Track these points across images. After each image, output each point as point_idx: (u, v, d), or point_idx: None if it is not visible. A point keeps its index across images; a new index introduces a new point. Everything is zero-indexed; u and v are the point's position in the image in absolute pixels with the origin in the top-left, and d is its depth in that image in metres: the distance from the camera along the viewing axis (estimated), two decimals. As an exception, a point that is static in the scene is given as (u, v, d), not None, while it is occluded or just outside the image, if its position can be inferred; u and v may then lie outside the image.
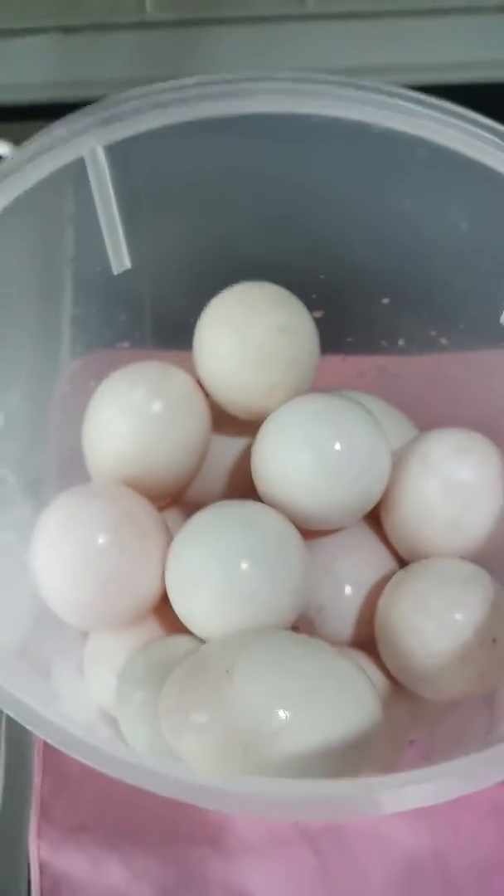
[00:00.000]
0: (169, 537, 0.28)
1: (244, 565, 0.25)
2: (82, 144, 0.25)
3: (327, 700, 0.22)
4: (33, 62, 0.55)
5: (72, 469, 0.31)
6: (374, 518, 0.31)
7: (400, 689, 0.28)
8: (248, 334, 0.29)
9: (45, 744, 0.33)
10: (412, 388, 0.35)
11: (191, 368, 0.31)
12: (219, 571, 0.26)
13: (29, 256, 0.27)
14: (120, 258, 0.27)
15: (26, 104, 0.53)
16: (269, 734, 0.22)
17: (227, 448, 0.33)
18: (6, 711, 0.19)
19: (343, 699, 0.22)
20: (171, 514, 0.32)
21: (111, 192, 0.26)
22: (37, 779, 0.33)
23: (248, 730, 0.22)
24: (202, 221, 0.30)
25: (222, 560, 0.26)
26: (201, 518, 0.27)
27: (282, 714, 0.22)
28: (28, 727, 0.19)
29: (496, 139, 0.25)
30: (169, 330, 0.32)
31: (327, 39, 0.52)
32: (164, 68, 0.56)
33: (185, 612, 0.27)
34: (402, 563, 0.30)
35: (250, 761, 0.21)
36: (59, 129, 0.25)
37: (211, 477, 0.33)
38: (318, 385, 0.32)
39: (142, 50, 0.55)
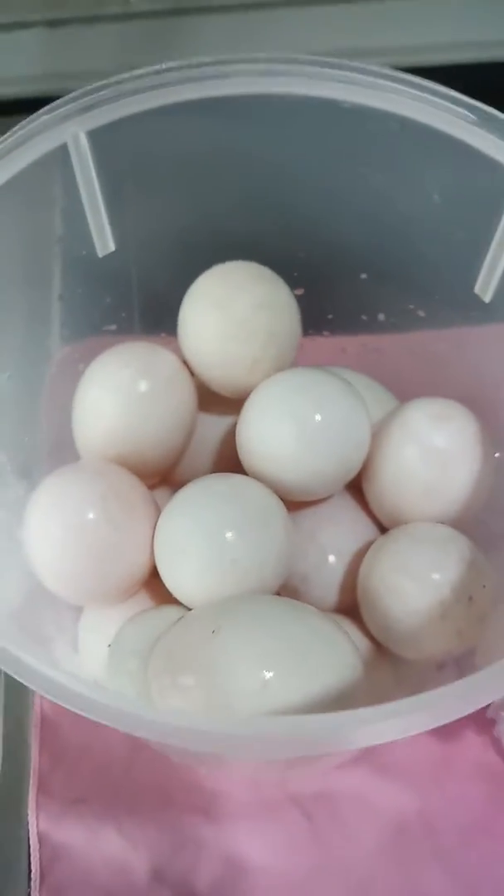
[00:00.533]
0: (157, 512, 0.29)
1: (228, 534, 0.26)
2: (65, 131, 0.25)
3: (310, 658, 0.23)
4: (19, 56, 0.55)
5: (63, 451, 0.32)
6: (356, 489, 0.32)
7: (383, 652, 0.29)
8: (229, 310, 0.29)
9: (43, 719, 0.34)
10: (393, 363, 0.35)
11: (178, 351, 0.32)
12: (204, 541, 0.26)
13: (17, 240, 0.28)
14: (104, 241, 0.28)
15: (13, 98, 0.53)
16: (253, 692, 0.22)
17: (214, 427, 0.34)
18: (5, 669, 0.20)
19: (325, 657, 0.23)
20: (161, 493, 0.33)
21: (94, 176, 0.27)
22: (34, 753, 0.33)
23: (232, 688, 0.22)
24: (186, 204, 0.31)
25: (207, 530, 0.26)
26: (187, 491, 0.28)
27: (265, 673, 0.22)
28: (28, 684, 0.20)
29: (464, 111, 0.26)
30: (156, 314, 0.32)
31: (311, 26, 0.52)
32: (150, 59, 0.57)
33: (173, 582, 0.27)
34: (384, 531, 0.31)
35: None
36: (42, 116, 0.25)
37: (198, 456, 0.34)
38: (301, 363, 0.32)
39: (127, 41, 0.56)
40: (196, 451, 0.33)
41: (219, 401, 0.33)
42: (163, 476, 0.33)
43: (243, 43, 0.56)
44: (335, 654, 0.24)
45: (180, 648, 0.23)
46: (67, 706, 0.19)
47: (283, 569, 0.28)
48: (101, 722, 0.18)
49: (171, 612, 0.27)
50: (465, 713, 0.18)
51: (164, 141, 0.28)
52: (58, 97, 0.58)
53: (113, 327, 0.33)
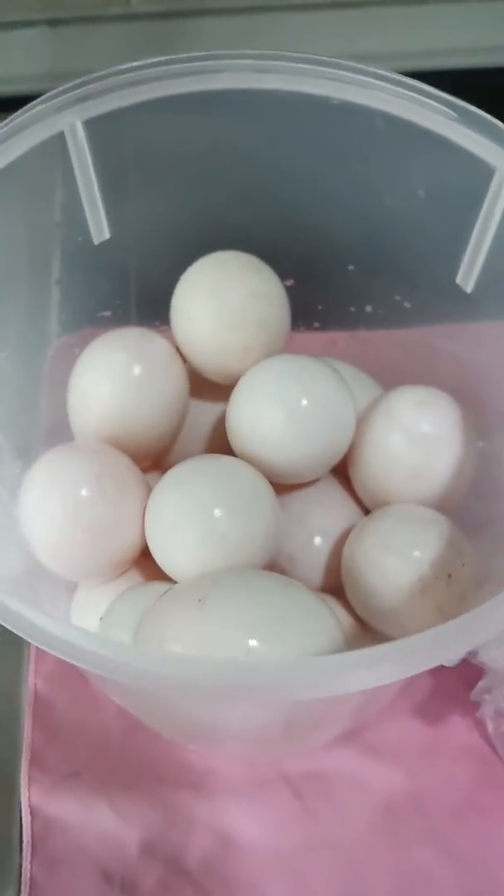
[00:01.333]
0: (149, 492, 0.30)
1: (218, 510, 0.27)
2: (62, 120, 0.26)
3: (293, 628, 0.24)
4: (21, 55, 0.56)
5: (60, 433, 0.33)
6: (342, 474, 0.33)
7: (366, 630, 0.30)
8: (221, 298, 0.31)
9: (37, 698, 0.35)
10: (382, 355, 0.36)
11: (172, 339, 0.33)
12: (195, 517, 0.27)
13: (17, 225, 0.29)
14: (100, 228, 0.29)
15: (14, 96, 0.54)
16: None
17: (206, 413, 0.35)
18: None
19: (308, 627, 0.24)
20: (153, 478, 0.34)
21: (90, 164, 0.28)
22: (27, 730, 0.34)
23: (217, 655, 0.23)
24: (181, 195, 0.32)
25: (198, 506, 0.27)
26: (178, 470, 0.29)
27: (250, 640, 0.23)
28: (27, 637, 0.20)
29: (446, 109, 0.27)
30: (153, 303, 0.33)
31: (312, 30, 0.53)
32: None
33: (163, 558, 0.28)
34: (366, 512, 0.32)
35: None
36: (39, 104, 0.26)
37: (190, 441, 0.35)
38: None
39: (128, 42, 0.56)
40: (187, 436, 0.34)
41: (210, 387, 0.34)
42: (155, 460, 0.34)
43: (244, 46, 0.57)
44: (318, 624, 0.24)
45: (168, 617, 0.24)
46: (62, 656, 0.19)
47: (271, 546, 0.29)
48: (93, 670, 0.19)
49: (160, 587, 0.28)
50: (434, 663, 0.19)
51: (161, 133, 0.29)
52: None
53: (108, 314, 0.34)
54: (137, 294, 0.34)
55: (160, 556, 0.29)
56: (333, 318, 0.36)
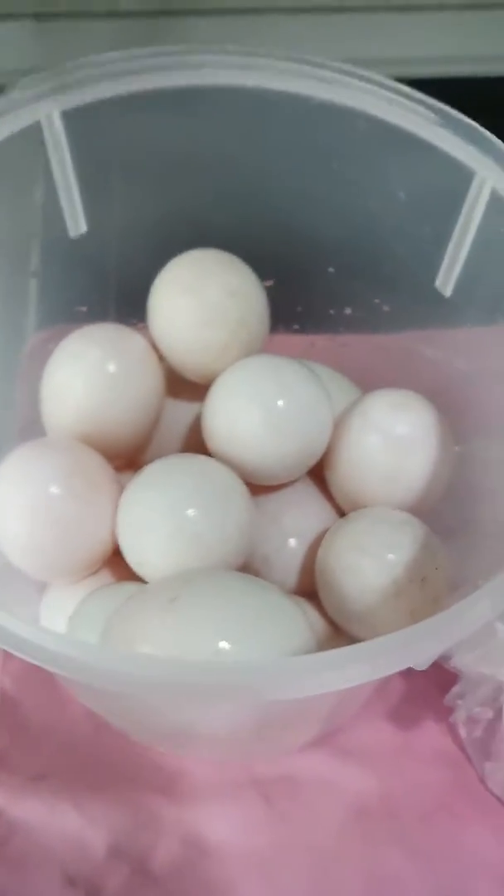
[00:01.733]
0: (121, 490, 0.30)
1: (191, 510, 0.27)
2: (39, 110, 0.26)
3: (265, 630, 0.24)
4: (7, 49, 0.56)
5: (34, 431, 0.32)
6: (318, 476, 0.32)
7: (339, 634, 0.30)
8: (200, 296, 0.30)
9: (3, 698, 0.34)
10: (361, 358, 0.36)
11: (149, 337, 0.32)
12: (168, 516, 0.27)
13: None
14: (77, 221, 0.29)
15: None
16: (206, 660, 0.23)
17: (181, 412, 0.34)
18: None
19: (280, 630, 0.24)
20: (126, 477, 0.34)
21: (67, 156, 0.27)
22: None
23: (187, 656, 0.23)
24: (162, 191, 0.31)
25: (171, 505, 0.27)
26: (151, 468, 0.29)
27: (221, 642, 0.23)
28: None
29: (428, 112, 0.27)
30: (131, 301, 0.33)
31: (303, 34, 0.53)
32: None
33: (135, 558, 0.28)
34: (341, 515, 0.32)
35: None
36: (15, 94, 0.26)
37: (165, 441, 0.34)
38: (271, 355, 0.33)
39: (115, 40, 0.56)
40: (163, 435, 0.34)
41: (186, 387, 0.34)
42: (128, 458, 0.34)
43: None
44: (290, 626, 0.24)
45: (137, 616, 0.24)
46: (27, 657, 0.19)
47: (245, 546, 0.28)
48: (58, 671, 0.19)
49: (130, 587, 0.28)
50: (404, 665, 0.19)
51: (143, 127, 0.29)
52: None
53: (85, 309, 0.33)
54: (116, 290, 0.34)
55: (131, 555, 0.28)
56: (313, 321, 0.36)
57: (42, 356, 0.32)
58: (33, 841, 0.32)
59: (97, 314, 0.33)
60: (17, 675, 0.35)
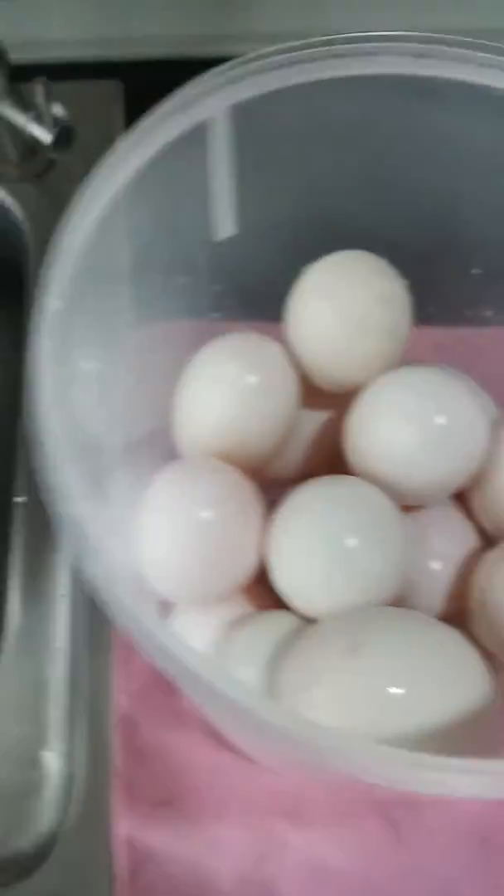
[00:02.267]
0: (262, 512, 0.28)
1: (351, 541, 0.25)
2: (209, 107, 0.23)
3: (450, 682, 0.22)
4: (70, 20, 0.53)
5: (139, 446, 0.30)
6: (455, 494, 0.30)
7: (496, 666, 0.28)
8: (349, 304, 0.28)
9: (123, 721, 0.33)
10: (492, 362, 0.34)
11: (280, 340, 0.30)
12: (327, 548, 0.25)
13: (149, 221, 0.26)
14: (227, 224, 0.26)
15: (66, 62, 0.51)
16: (391, 713, 0.21)
17: (309, 422, 0.32)
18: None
19: (463, 681, 0.22)
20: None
21: (229, 156, 0.25)
22: (118, 757, 0.32)
23: (371, 707, 0.21)
24: (299, 188, 0.29)
25: (329, 536, 0.25)
26: (303, 495, 0.27)
27: (404, 691, 0.21)
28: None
29: None
30: (255, 300, 0.31)
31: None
32: (207, 26, 0.54)
33: (289, 589, 0.26)
34: (486, 539, 0.30)
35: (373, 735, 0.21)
36: (187, 91, 0.23)
37: (290, 451, 0.32)
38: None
39: (179, 7, 0.54)
40: (288, 446, 0.32)
41: (314, 394, 0.32)
42: (256, 471, 0.32)
43: (294, 13, 0.53)
44: (471, 674, 0.23)
45: (316, 664, 0.22)
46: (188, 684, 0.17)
47: (403, 576, 0.27)
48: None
49: (283, 618, 0.26)
50: None
51: (293, 120, 0.27)
52: (109, 61, 0.55)
53: (217, 315, 0.31)
54: (242, 293, 0.32)
55: (284, 586, 0.26)
56: (444, 322, 0.34)
57: (169, 362, 0.30)
58: (161, 871, 0.31)
59: (227, 317, 0.31)
60: (135, 694, 0.33)
